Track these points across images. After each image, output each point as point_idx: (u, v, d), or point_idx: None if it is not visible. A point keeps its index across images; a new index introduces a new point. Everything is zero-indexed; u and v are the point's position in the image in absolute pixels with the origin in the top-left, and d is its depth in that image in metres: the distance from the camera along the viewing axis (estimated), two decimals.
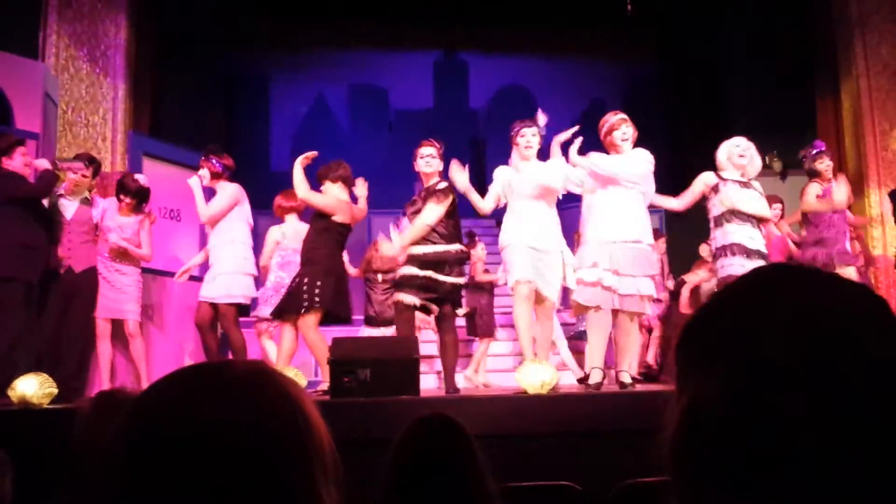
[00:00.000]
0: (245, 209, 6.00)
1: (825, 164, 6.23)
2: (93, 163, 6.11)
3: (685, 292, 7.20)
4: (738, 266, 5.17)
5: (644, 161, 5.24)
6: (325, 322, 5.46)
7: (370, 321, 7.09)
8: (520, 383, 4.56)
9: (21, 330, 5.34)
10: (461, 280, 5.36)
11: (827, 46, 9.25)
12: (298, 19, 11.54)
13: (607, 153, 5.33)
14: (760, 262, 4.61)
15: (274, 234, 6.57)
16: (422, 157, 5.43)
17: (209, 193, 5.99)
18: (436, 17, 11.80)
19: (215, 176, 5.93)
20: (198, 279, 6.45)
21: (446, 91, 15.18)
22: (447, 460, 1.90)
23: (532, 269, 5.10)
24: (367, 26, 12.03)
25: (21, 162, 5.54)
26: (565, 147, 5.41)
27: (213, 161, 5.93)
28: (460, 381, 5.90)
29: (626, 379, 5.09)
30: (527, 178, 5.28)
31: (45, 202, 5.81)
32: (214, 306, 5.82)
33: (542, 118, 5.44)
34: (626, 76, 13.74)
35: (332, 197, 5.53)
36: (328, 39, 12.43)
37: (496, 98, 15.14)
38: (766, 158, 9.43)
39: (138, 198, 6.01)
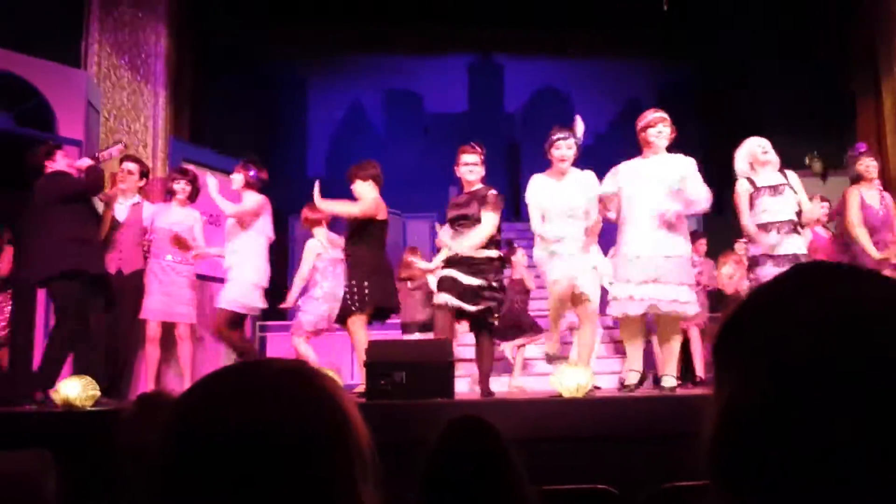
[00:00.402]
0: (267, 221, 6.02)
1: (865, 165, 6.14)
2: (139, 162, 6.22)
3: (729, 290, 7.04)
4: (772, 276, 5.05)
5: (689, 166, 5.09)
6: (376, 319, 5.58)
7: (404, 327, 7.13)
8: (555, 386, 4.54)
9: (75, 329, 5.39)
10: (497, 284, 5.31)
11: (866, 43, 9.07)
12: (334, 25, 11.63)
13: (640, 150, 5.24)
14: None
15: (314, 247, 6.61)
16: (465, 165, 5.30)
17: (231, 200, 6.06)
18: (470, 21, 11.79)
19: (247, 185, 5.96)
20: (210, 279, 6.52)
21: (481, 94, 15.18)
22: (480, 462, 1.90)
23: (567, 270, 5.09)
24: (403, 31, 12.08)
25: (64, 163, 5.56)
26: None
27: (252, 172, 5.95)
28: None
29: (668, 383, 5.06)
30: (560, 197, 5.21)
31: (100, 207, 5.87)
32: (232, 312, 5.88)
33: (580, 126, 5.29)
34: (663, 76, 13.61)
35: (371, 198, 5.55)
36: (364, 45, 12.50)
37: (532, 100, 15.10)
38: (806, 159, 9.30)
39: (193, 183, 6.11)
